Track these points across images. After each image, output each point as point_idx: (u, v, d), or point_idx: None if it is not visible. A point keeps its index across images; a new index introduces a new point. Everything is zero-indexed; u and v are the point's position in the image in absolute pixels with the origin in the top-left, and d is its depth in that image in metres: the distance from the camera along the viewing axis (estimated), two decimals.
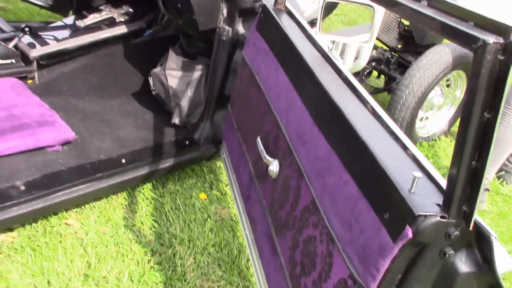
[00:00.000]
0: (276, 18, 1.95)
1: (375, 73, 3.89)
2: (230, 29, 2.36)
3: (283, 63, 1.79)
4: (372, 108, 1.34)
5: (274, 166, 1.60)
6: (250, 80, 2.05)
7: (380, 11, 2.95)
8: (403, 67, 3.70)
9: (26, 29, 2.78)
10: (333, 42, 1.76)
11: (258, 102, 1.92)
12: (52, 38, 2.84)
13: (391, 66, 3.76)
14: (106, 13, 2.97)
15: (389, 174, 1.05)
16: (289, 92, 1.66)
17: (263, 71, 1.93)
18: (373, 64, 3.73)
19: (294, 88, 1.64)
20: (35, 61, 2.66)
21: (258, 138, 1.77)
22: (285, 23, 1.91)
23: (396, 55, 3.81)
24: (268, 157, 1.64)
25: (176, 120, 2.66)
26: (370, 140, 1.18)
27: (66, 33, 2.93)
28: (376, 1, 1.32)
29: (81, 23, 2.90)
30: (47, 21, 3.55)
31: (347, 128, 1.26)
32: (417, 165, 1.12)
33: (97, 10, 3.03)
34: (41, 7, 3.25)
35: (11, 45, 2.65)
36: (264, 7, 2.06)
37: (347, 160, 1.23)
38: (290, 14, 2.00)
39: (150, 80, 2.78)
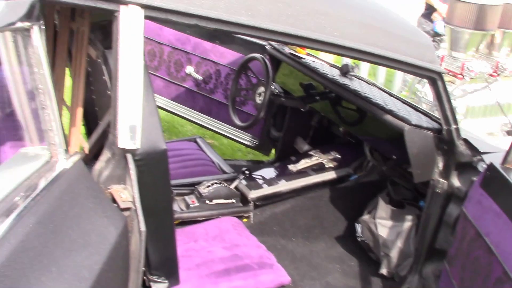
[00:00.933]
0: (508, 178, 1.87)
1: None
2: (445, 182, 2.32)
3: None
4: None
5: None
6: (475, 241, 1.94)
7: None
8: None
9: (246, 172, 3.07)
10: None
11: (488, 266, 1.80)
12: (262, 178, 3.09)
13: None
14: (316, 158, 3.17)
15: None
16: None
17: (495, 234, 1.82)
18: None
19: None
20: (251, 202, 2.91)
21: None
22: None
23: None
24: None
25: (384, 270, 2.60)
26: None
27: (277, 175, 3.16)
28: None
29: (293, 168, 3.12)
30: (251, 159, 3.91)
31: None
32: None
33: (306, 155, 3.26)
34: (246, 145, 3.59)
35: (232, 186, 2.94)
36: (491, 165, 2.01)
37: None
38: None
39: (358, 226, 2.81)
